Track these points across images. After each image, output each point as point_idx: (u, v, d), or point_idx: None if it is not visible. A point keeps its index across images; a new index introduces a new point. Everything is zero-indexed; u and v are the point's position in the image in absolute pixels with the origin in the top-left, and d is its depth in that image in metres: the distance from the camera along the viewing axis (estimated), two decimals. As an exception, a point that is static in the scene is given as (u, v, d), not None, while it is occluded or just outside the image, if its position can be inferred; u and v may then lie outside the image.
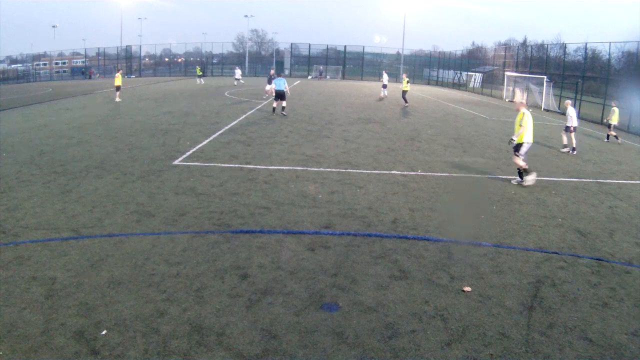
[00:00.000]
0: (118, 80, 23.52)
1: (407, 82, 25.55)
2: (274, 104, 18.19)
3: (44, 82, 51.28)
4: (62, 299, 4.30)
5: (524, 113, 8.96)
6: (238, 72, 39.32)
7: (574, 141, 13.43)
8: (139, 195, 7.58)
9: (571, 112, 13.73)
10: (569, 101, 14.98)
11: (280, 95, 17.84)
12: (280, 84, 17.80)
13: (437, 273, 5.17)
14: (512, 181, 9.37)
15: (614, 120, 16.03)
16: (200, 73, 42.41)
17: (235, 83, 37.88)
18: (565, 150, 13.47)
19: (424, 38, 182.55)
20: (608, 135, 16.39)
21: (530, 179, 9.12)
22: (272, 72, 25.58)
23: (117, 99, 22.75)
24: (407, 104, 24.30)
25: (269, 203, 7.36)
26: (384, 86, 28.73)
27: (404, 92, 25.03)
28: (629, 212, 7.90)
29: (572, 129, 13.52)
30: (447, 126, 17.44)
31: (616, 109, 16.10)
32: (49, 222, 6.23)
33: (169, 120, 16.04)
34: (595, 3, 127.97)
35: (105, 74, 59.01)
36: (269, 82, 23.68)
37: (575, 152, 13.21)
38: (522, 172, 9.22)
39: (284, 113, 17.93)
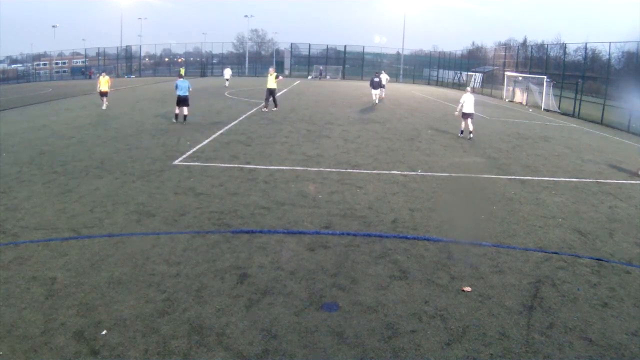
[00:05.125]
0: (103, 84, 19.01)
1: (276, 77, 18.93)
2: (176, 111, 15.48)
3: (44, 82, 51.25)
4: (62, 299, 4.30)
5: None
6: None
7: (470, 127, 14.30)
8: (139, 195, 7.59)
9: (464, 98, 14.44)
10: (468, 88, 15.50)
11: (182, 101, 15.25)
12: (184, 88, 15.19)
13: (437, 273, 5.17)
14: None
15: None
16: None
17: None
18: (463, 135, 14.48)
19: (424, 38, 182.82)
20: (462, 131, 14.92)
21: None
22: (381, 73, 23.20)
23: (104, 106, 18.93)
24: (266, 109, 18.93)
25: (269, 203, 7.36)
26: (382, 86, 28.71)
27: (270, 90, 18.84)
28: (629, 212, 7.90)
29: (467, 115, 14.33)
30: (447, 126, 17.42)
31: (464, 96, 14.64)
32: (49, 222, 6.23)
33: (169, 120, 16.03)
34: (595, 3, 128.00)
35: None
36: (373, 87, 22.45)
37: (470, 137, 14.21)
38: None
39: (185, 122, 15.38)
